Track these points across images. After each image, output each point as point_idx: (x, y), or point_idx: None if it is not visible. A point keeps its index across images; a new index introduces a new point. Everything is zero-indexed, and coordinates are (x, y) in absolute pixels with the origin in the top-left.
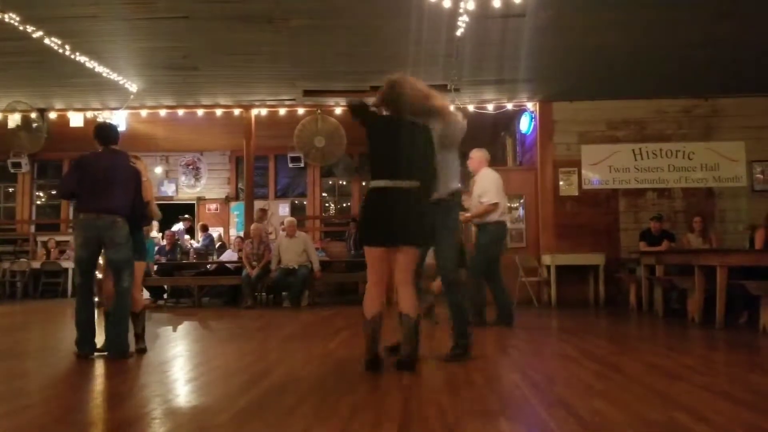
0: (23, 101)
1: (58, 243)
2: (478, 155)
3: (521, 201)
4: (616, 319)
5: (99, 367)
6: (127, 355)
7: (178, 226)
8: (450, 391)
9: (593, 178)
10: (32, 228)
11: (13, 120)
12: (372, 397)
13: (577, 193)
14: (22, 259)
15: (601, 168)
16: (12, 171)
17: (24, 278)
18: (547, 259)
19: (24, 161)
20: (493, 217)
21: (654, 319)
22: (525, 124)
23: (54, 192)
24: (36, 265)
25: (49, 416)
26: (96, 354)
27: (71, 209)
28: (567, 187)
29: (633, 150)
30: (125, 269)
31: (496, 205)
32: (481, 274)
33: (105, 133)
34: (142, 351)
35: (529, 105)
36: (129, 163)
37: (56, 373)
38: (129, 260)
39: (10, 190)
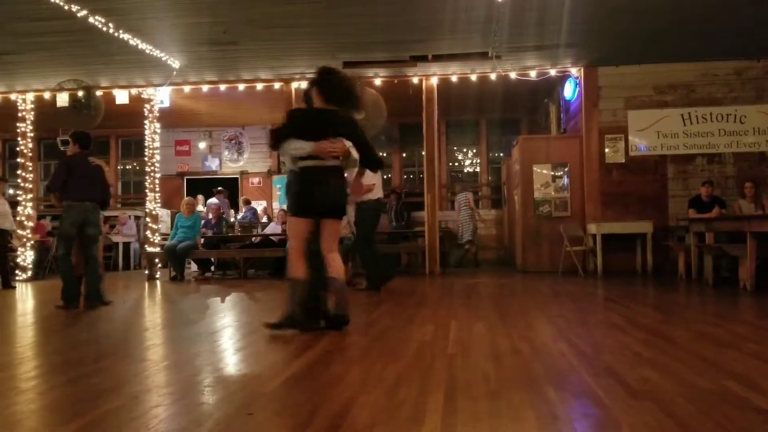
0: (79, 79)
1: (107, 218)
2: None
3: (566, 169)
4: (664, 288)
5: (151, 338)
6: (104, 302)
7: (213, 200)
8: (495, 360)
9: (640, 144)
10: None
11: (63, 99)
12: (416, 365)
13: (623, 160)
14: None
15: (648, 134)
16: (61, 149)
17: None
18: (592, 227)
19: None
20: (370, 195)
21: (703, 288)
22: (569, 91)
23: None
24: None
25: (104, 385)
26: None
27: (119, 186)
28: (613, 154)
29: (681, 114)
30: (96, 242)
31: (373, 185)
32: (366, 245)
33: (85, 139)
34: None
35: (573, 70)
36: (93, 163)
37: (109, 343)
38: (99, 235)
39: (103, 161)
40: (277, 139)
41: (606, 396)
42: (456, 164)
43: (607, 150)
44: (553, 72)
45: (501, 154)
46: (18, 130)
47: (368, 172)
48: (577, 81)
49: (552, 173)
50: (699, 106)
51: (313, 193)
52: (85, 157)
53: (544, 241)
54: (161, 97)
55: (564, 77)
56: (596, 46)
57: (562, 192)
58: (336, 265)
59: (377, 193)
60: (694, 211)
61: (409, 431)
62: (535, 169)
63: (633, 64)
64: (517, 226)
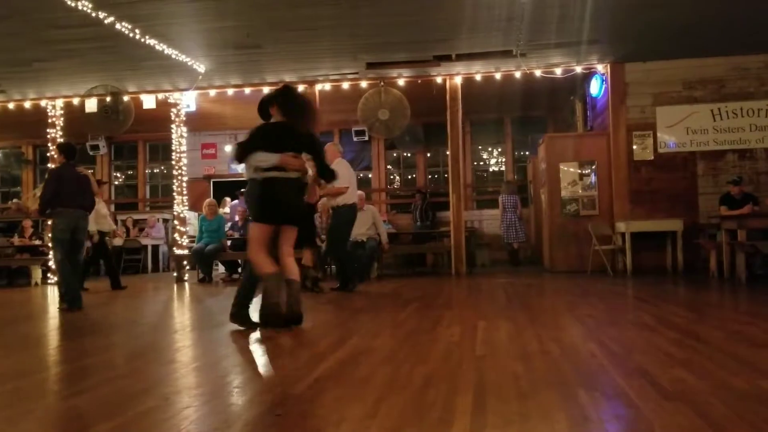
0: (109, 85)
1: (136, 222)
2: (332, 149)
3: (593, 167)
4: (695, 287)
5: (180, 340)
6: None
7: (237, 202)
8: (524, 361)
9: (669, 140)
10: (112, 207)
11: (92, 105)
12: (445, 366)
13: (652, 157)
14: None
15: (677, 130)
16: (91, 153)
17: None
18: (621, 226)
19: (101, 143)
20: (346, 200)
21: (736, 286)
22: (595, 87)
23: (38, 195)
24: (117, 242)
25: (137, 386)
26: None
27: (147, 189)
28: (641, 151)
29: (711, 110)
30: (83, 246)
31: (347, 188)
32: (340, 249)
33: (70, 151)
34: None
35: (599, 67)
36: (81, 173)
37: (139, 345)
38: (85, 241)
39: (90, 171)
40: (243, 152)
41: (638, 397)
42: (481, 163)
43: (635, 147)
44: (578, 69)
45: (527, 153)
46: (48, 136)
47: (341, 177)
48: (604, 78)
49: (579, 171)
50: (730, 101)
51: (279, 202)
52: (72, 167)
53: (571, 240)
54: (187, 101)
55: (590, 74)
56: (623, 42)
57: (589, 190)
58: (292, 269)
59: (351, 198)
60: (726, 208)
61: None
62: (561, 167)
63: (661, 60)
64: (544, 225)
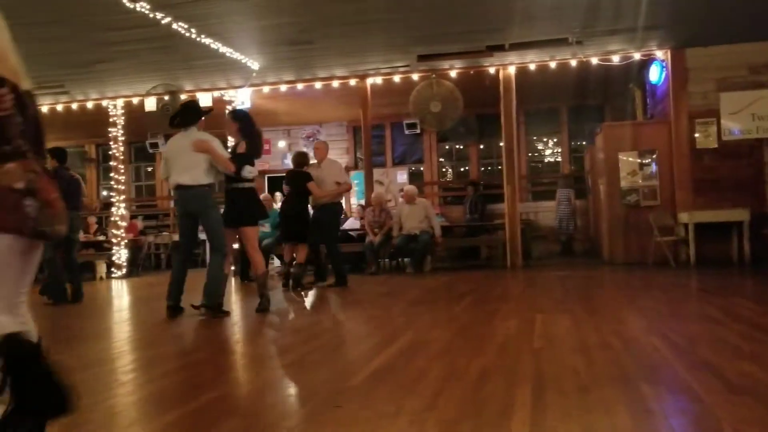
0: (168, 83)
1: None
2: (324, 146)
3: (653, 156)
4: (763, 279)
5: (239, 332)
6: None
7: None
8: (584, 354)
9: (734, 128)
10: (171, 203)
11: (150, 104)
12: (502, 359)
13: (715, 145)
14: (164, 233)
15: (742, 117)
16: (150, 151)
17: (167, 250)
18: (684, 216)
19: (161, 141)
20: (325, 200)
21: None
22: (655, 74)
23: None
24: (176, 237)
25: (198, 378)
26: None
27: None
28: (704, 139)
29: None
30: (76, 244)
31: (351, 185)
32: (335, 245)
33: (62, 155)
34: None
35: (659, 53)
36: (73, 176)
37: (200, 337)
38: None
39: (149, 169)
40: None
41: (703, 391)
42: (536, 154)
43: (697, 135)
44: (637, 56)
45: (583, 143)
46: (110, 135)
47: (343, 176)
48: (664, 64)
49: (639, 161)
50: None
51: (235, 207)
52: (65, 171)
53: (632, 232)
54: (242, 98)
55: (649, 60)
56: (683, 27)
57: (650, 180)
58: (259, 265)
59: (336, 198)
60: None
61: (498, 425)
62: (620, 157)
63: (724, 44)
64: (603, 216)
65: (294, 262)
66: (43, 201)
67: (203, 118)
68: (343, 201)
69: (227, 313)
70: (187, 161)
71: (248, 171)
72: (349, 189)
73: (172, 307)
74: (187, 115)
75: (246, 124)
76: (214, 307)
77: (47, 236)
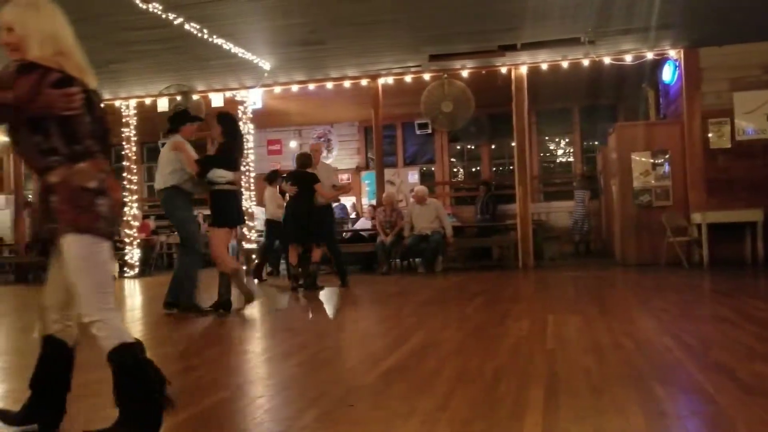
0: (181, 83)
1: (206, 217)
2: (321, 148)
3: (666, 156)
4: None
5: (250, 330)
6: None
7: None
8: (596, 355)
9: (748, 127)
10: None
11: (163, 104)
12: (515, 360)
13: (729, 145)
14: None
15: (756, 116)
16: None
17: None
18: (697, 217)
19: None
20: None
21: None
22: (668, 74)
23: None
24: None
25: (209, 377)
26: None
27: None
28: (717, 138)
29: None
30: None
31: (350, 185)
32: (337, 245)
33: None
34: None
35: (672, 53)
36: None
37: (211, 335)
38: None
39: None
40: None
41: (716, 392)
42: (548, 155)
43: (710, 135)
44: (650, 55)
45: (596, 143)
46: (123, 135)
47: (325, 184)
48: (677, 63)
49: (652, 161)
50: None
51: (238, 211)
52: None
53: (644, 232)
54: (254, 98)
55: (662, 60)
56: (697, 26)
57: (662, 180)
58: (222, 263)
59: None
60: None
61: (510, 426)
62: (633, 157)
63: (737, 43)
64: (616, 216)
65: (302, 264)
66: (114, 200)
67: (189, 124)
68: (343, 201)
69: (202, 311)
70: (159, 165)
71: (218, 175)
72: (349, 190)
73: (169, 304)
74: (173, 121)
75: (229, 127)
76: (180, 305)
77: (115, 235)
